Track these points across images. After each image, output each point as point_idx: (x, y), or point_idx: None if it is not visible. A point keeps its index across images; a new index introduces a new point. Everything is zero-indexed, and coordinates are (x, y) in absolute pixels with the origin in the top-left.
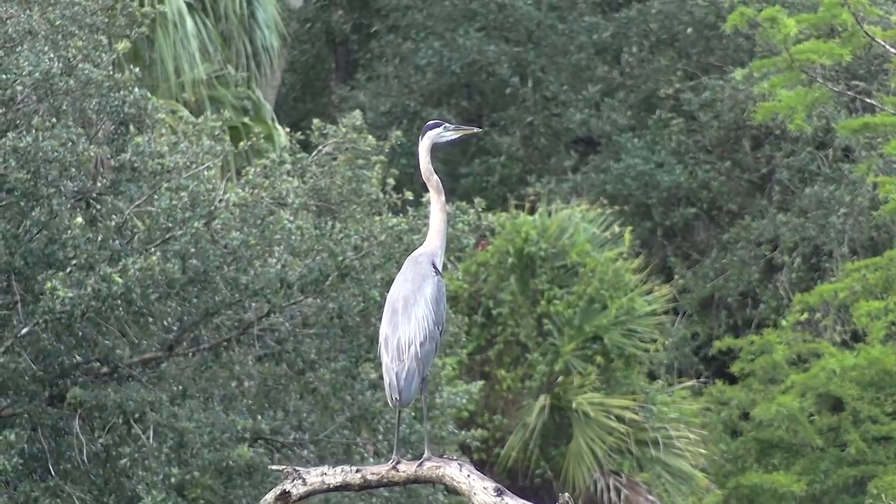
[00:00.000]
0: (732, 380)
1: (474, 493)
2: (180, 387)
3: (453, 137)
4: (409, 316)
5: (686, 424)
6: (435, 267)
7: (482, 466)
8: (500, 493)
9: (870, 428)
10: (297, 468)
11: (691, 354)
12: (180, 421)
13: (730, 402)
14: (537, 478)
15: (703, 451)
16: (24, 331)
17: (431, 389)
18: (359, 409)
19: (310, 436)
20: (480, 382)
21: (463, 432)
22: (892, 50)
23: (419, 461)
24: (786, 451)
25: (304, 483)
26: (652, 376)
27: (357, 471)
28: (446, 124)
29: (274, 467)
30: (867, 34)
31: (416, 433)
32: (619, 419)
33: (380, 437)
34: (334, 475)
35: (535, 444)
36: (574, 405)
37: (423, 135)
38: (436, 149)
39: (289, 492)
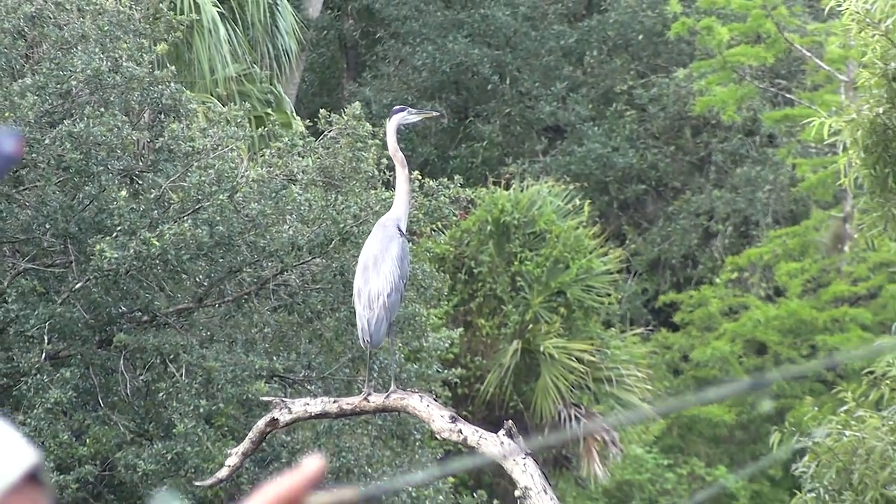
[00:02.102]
0: (675, 328)
1: (433, 420)
2: (208, 332)
3: (417, 119)
4: (378, 271)
5: (635, 365)
6: (400, 229)
7: (465, 400)
8: (454, 419)
9: (788, 368)
10: (283, 399)
11: (641, 307)
12: (208, 361)
13: (672, 347)
14: (511, 409)
15: (649, 387)
16: (78, 286)
17: (419, 335)
18: (357, 352)
19: (316, 374)
20: (460, 329)
21: (447, 371)
22: (808, 53)
23: (387, 393)
24: (718, 387)
25: (290, 412)
26: (607, 324)
27: (334, 401)
28: (409, 109)
29: (265, 398)
30: (787, 40)
31: (405, 371)
32: (579, 360)
33: (374, 374)
34: (315, 405)
35: (509, 381)
36: (542, 349)
37: (390, 118)
38: (428, 133)
39: (277, 419)
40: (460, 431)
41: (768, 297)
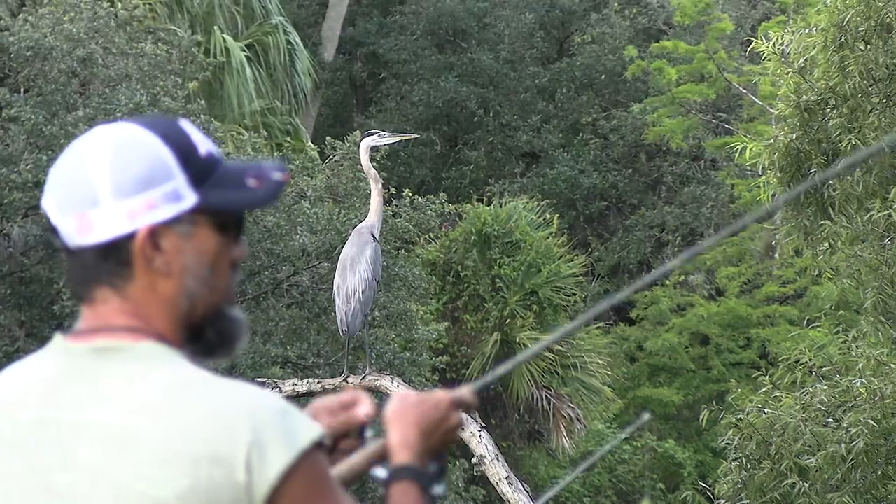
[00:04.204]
0: (631, 322)
1: None
2: None
3: (392, 141)
4: (354, 271)
5: (597, 353)
6: (373, 235)
7: (452, 383)
8: None
9: (727, 356)
10: (275, 379)
11: None
12: None
13: (629, 338)
14: (491, 391)
15: (609, 372)
16: None
17: (410, 327)
18: (358, 342)
19: (323, 360)
20: (447, 323)
21: (435, 358)
22: (744, 91)
23: (363, 375)
24: (668, 373)
25: (280, 391)
26: (573, 319)
27: (318, 382)
28: (381, 132)
29: (258, 379)
30: (726, 80)
31: (398, 359)
32: (549, 350)
33: (372, 360)
34: (302, 385)
35: (489, 367)
36: (517, 340)
37: (362, 140)
38: (423, 158)
39: None
40: None
41: (711, 297)
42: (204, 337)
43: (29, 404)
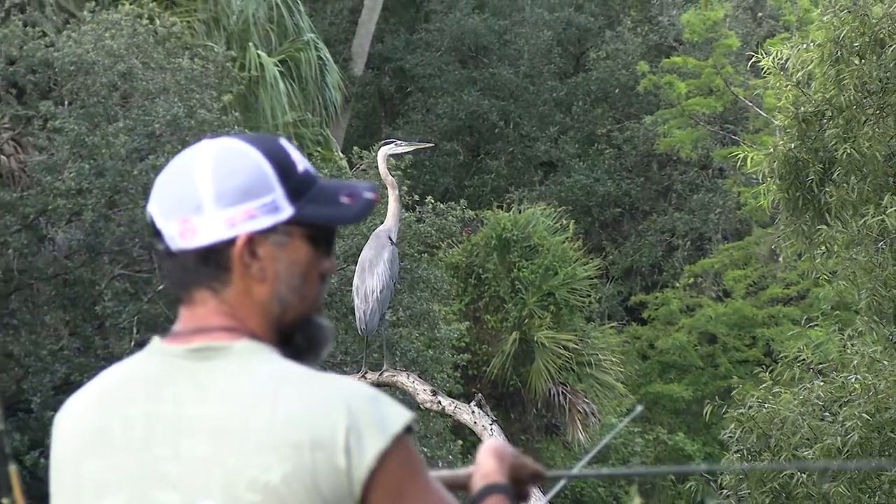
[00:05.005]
0: (643, 322)
1: (417, 393)
2: None
3: (409, 149)
4: (372, 272)
5: (611, 352)
6: (391, 239)
7: (474, 379)
8: (434, 393)
9: (733, 354)
10: None
11: (617, 305)
12: None
13: (641, 337)
14: (511, 387)
15: (622, 369)
16: (160, 287)
17: (433, 326)
18: (379, 339)
19: (351, 357)
20: (468, 322)
21: (457, 356)
22: (749, 103)
23: (380, 371)
24: (678, 370)
25: None
26: (588, 319)
27: None
28: (397, 141)
29: None
30: (733, 93)
31: (421, 356)
32: (566, 348)
33: (397, 357)
34: None
35: (509, 364)
36: (535, 338)
37: (379, 149)
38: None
39: None
40: (439, 402)
41: (718, 298)
42: (293, 342)
43: (136, 401)
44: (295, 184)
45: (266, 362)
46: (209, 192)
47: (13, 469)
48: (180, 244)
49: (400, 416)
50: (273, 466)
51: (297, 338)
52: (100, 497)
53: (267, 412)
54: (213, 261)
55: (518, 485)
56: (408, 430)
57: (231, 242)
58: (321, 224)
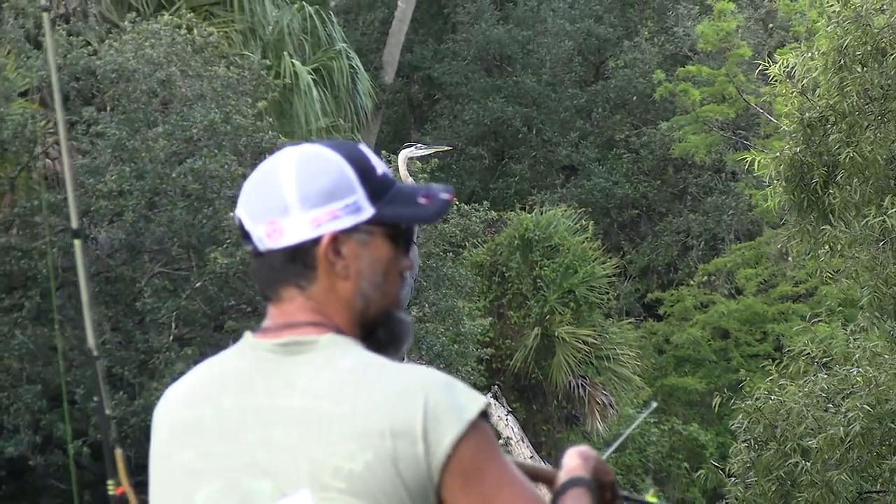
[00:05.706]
0: (659, 318)
1: None
2: None
3: (429, 152)
4: None
5: (628, 346)
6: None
7: (498, 373)
8: None
9: (745, 349)
10: None
11: (634, 302)
12: None
13: (657, 333)
14: (532, 380)
15: (639, 363)
16: (198, 285)
17: (457, 322)
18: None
19: None
20: (491, 318)
21: (481, 350)
22: (761, 110)
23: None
24: (692, 364)
25: None
26: (607, 316)
27: None
28: (417, 144)
29: None
30: (745, 100)
31: (447, 350)
32: (585, 343)
33: (423, 351)
34: None
35: (531, 358)
36: (556, 334)
37: (400, 152)
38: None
39: None
40: None
41: (731, 295)
42: (375, 336)
43: (229, 392)
44: (375, 185)
45: (349, 355)
46: (294, 195)
47: (118, 453)
48: (268, 245)
49: (475, 402)
50: (356, 455)
51: (379, 332)
52: (194, 485)
53: (349, 402)
54: (299, 259)
55: (600, 489)
56: (483, 415)
57: (316, 242)
58: (401, 223)
